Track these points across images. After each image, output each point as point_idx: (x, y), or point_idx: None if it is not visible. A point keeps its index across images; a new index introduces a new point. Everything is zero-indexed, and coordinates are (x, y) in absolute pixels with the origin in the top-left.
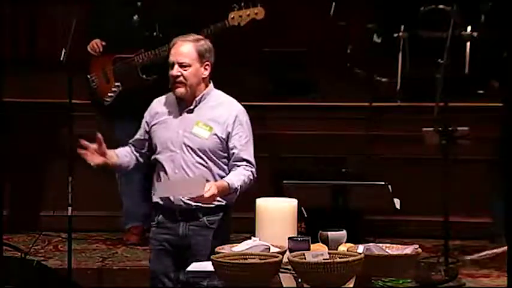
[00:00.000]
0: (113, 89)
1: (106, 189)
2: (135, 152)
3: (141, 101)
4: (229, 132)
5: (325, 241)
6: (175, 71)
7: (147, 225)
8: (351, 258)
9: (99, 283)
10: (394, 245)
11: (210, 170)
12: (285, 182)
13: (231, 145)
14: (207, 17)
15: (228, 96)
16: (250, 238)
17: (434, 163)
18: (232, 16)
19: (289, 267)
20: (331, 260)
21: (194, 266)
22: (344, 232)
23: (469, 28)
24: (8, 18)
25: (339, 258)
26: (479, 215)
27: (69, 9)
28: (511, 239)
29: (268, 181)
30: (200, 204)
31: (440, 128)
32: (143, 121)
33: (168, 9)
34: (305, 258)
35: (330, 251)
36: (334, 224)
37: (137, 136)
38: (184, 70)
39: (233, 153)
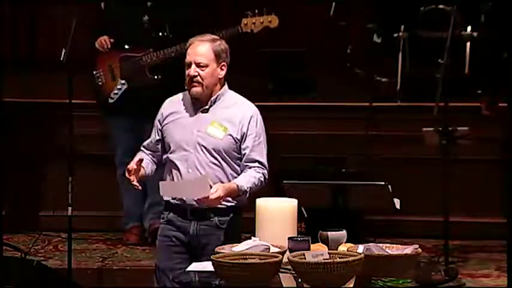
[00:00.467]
0: (118, 87)
1: (106, 189)
2: (150, 156)
3: (143, 100)
4: (244, 133)
5: (325, 241)
6: (193, 70)
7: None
8: (351, 258)
9: (99, 283)
10: (394, 245)
11: (224, 170)
12: (285, 182)
13: (244, 145)
14: (216, 19)
15: (242, 97)
16: (250, 238)
17: (434, 163)
18: (245, 22)
19: (289, 267)
20: (331, 260)
21: (194, 266)
22: (344, 232)
23: (469, 28)
24: (8, 18)
25: (339, 258)
26: (479, 215)
27: (69, 9)
28: (511, 239)
29: (268, 181)
30: (206, 205)
31: (440, 128)
32: (155, 122)
33: (178, 10)
34: (305, 258)
35: (330, 251)
36: (334, 224)
37: (150, 138)
38: (202, 70)
39: (245, 153)
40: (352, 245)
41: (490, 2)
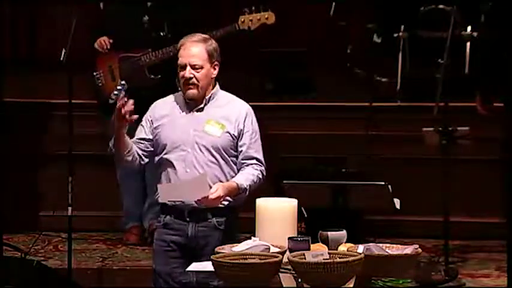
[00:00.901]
0: (118, 87)
1: (106, 189)
2: (139, 151)
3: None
4: (241, 130)
5: (325, 241)
6: (188, 72)
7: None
8: (351, 258)
9: (99, 283)
10: (394, 245)
11: (222, 169)
12: (285, 182)
13: (241, 143)
14: (216, 18)
15: (233, 96)
16: (250, 238)
17: (434, 163)
18: (242, 20)
19: (289, 267)
20: (331, 260)
21: (194, 266)
22: (344, 232)
23: (469, 28)
24: (8, 18)
25: (339, 258)
26: (479, 215)
27: (69, 9)
28: (511, 239)
29: (268, 181)
30: (205, 205)
31: (440, 128)
32: (146, 121)
33: (178, 10)
34: (305, 258)
35: (330, 251)
36: (334, 224)
37: (142, 135)
38: (197, 72)
39: (242, 150)
40: (352, 245)
41: (490, 2)
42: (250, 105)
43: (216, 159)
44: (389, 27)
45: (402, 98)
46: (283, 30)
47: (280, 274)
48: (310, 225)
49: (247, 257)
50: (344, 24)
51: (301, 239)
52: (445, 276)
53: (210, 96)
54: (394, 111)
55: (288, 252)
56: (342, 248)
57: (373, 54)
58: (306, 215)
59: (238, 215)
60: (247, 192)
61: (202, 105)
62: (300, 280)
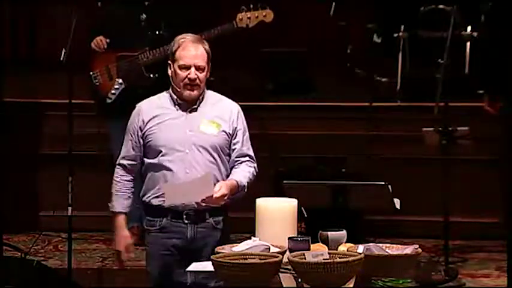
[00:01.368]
0: (116, 86)
1: (106, 189)
2: (128, 173)
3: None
4: (235, 128)
5: (325, 241)
6: (193, 74)
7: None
8: (351, 258)
9: (99, 283)
10: (394, 245)
11: (219, 168)
12: (285, 182)
13: (235, 140)
14: (214, 17)
15: (220, 95)
16: (250, 238)
17: (434, 163)
18: (240, 17)
19: (289, 267)
20: (331, 260)
21: (194, 266)
22: (344, 232)
23: (469, 28)
24: (8, 18)
25: (339, 258)
26: (479, 215)
27: (69, 9)
28: (511, 239)
29: (268, 181)
30: (205, 205)
31: (440, 128)
32: (131, 129)
33: (176, 9)
34: (305, 258)
35: (330, 251)
36: (334, 224)
37: (132, 152)
38: (200, 73)
39: (236, 148)
40: (352, 245)
41: (490, 2)
42: (251, 106)
43: (214, 158)
44: (389, 27)
45: (402, 98)
46: (283, 30)
47: (280, 274)
48: (310, 225)
49: (247, 257)
50: (344, 24)
51: (301, 239)
52: (445, 276)
53: (202, 96)
54: (394, 111)
55: (288, 252)
56: (342, 248)
57: (373, 54)
58: (306, 215)
59: (228, 213)
60: (246, 190)
61: (196, 106)
62: (300, 280)
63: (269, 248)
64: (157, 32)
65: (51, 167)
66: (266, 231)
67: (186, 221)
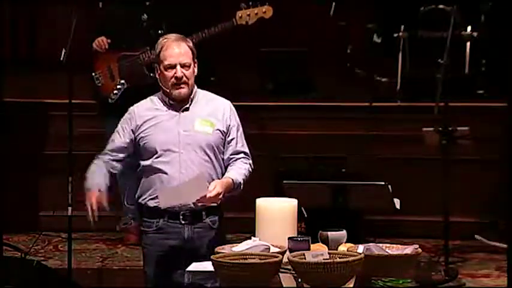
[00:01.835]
0: (118, 86)
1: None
2: (111, 162)
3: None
4: (228, 125)
5: (325, 241)
6: (179, 72)
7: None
8: (351, 258)
9: (99, 283)
10: (394, 245)
11: (214, 167)
12: (285, 182)
13: (229, 138)
14: (215, 17)
15: (211, 93)
16: (250, 238)
17: (434, 163)
18: (240, 15)
19: (289, 267)
20: (331, 260)
21: (194, 266)
22: (344, 232)
23: (469, 28)
24: (8, 18)
25: (339, 258)
26: (479, 215)
27: (69, 9)
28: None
29: (268, 181)
30: (201, 205)
31: (440, 128)
32: (123, 130)
33: (177, 9)
34: (305, 258)
35: (330, 251)
36: (334, 224)
37: (117, 144)
38: (186, 70)
39: (231, 145)
40: (352, 245)
41: (490, 2)
42: (250, 106)
43: (209, 157)
44: (389, 27)
45: (402, 98)
46: (284, 30)
47: (280, 274)
48: (310, 225)
49: (247, 257)
50: (344, 24)
51: (301, 239)
52: (445, 276)
53: (194, 95)
54: (394, 111)
55: (288, 252)
56: (342, 248)
57: (373, 54)
58: (306, 215)
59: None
60: (241, 187)
61: (188, 105)
62: (300, 280)
63: (269, 248)
64: (158, 32)
65: (51, 167)
66: (266, 231)
67: (183, 222)
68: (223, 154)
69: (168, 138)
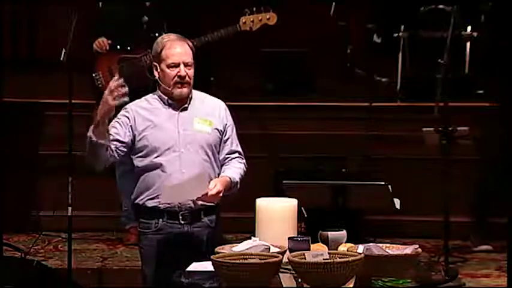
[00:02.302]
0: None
1: (106, 189)
2: (114, 148)
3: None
4: (225, 124)
5: (325, 241)
6: (183, 71)
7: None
8: (351, 258)
9: (99, 283)
10: (394, 245)
11: (212, 166)
12: (285, 182)
13: (225, 137)
14: (216, 18)
15: (203, 92)
16: (250, 238)
17: (434, 163)
18: (244, 21)
19: (289, 267)
20: (331, 260)
21: (194, 266)
22: (344, 232)
23: (469, 28)
24: (8, 18)
25: (339, 258)
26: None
27: (69, 9)
28: (511, 238)
29: (268, 181)
30: (200, 205)
31: (440, 128)
32: (121, 123)
33: (177, 11)
34: (305, 258)
35: (330, 251)
36: (334, 224)
37: (118, 137)
38: (189, 70)
39: (227, 145)
40: (352, 245)
41: (490, 2)
42: (251, 106)
43: (208, 156)
44: (389, 27)
45: (402, 98)
46: (284, 30)
47: (280, 274)
48: (310, 225)
49: (247, 257)
50: (344, 24)
51: (301, 239)
52: (445, 276)
53: (191, 95)
54: (394, 111)
55: (288, 252)
56: (342, 248)
57: (373, 54)
58: (306, 215)
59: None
60: (238, 186)
61: (187, 105)
62: (300, 280)
63: (269, 248)
64: (159, 34)
65: (51, 167)
66: (266, 231)
67: (182, 222)
68: (219, 153)
69: (168, 138)
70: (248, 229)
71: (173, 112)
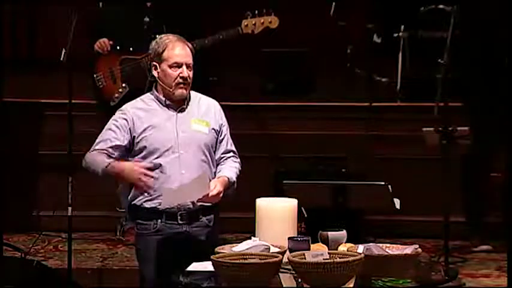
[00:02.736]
0: (120, 90)
1: (106, 189)
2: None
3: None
4: (221, 124)
5: (325, 241)
6: (186, 72)
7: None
8: (351, 258)
9: (99, 283)
10: (394, 245)
11: (210, 166)
12: (285, 182)
13: (221, 137)
14: (217, 20)
15: (197, 92)
16: (250, 238)
17: (434, 163)
18: (245, 24)
19: (289, 267)
20: (331, 260)
21: (194, 266)
22: (344, 232)
23: None
24: (8, 18)
25: (339, 258)
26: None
27: (69, 9)
28: (511, 239)
29: (268, 181)
30: (200, 205)
31: (440, 128)
32: (119, 126)
33: (178, 12)
34: (305, 258)
35: (330, 251)
36: (334, 224)
37: (114, 142)
38: (190, 71)
39: (222, 144)
40: (352, 245)
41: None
42: (251, 105)
43: (206, 157)
44: (389, 27)
45: (402, 98)
46: (284, 30)
47: (280, 274)
48: (310, 225)
49: (247, 257)
50: (344, 24)
51: (301, 239)
52: (445, 276)
53: (189, 96)
54: (394, 111)
55: (288, 252)
56: (342, 248)
57: (373, 54)
58: (306, 215)
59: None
60: (235, 185)
61: (185, 105)
62: (300, 280)
63: (269, 248)
64: (159, 34)
65: (51, 167)
66: (266, 231)
67: (181, 222)
68: (215, 153)
69: (167, 139)
70: (248, 229)
71: (171, 113)
